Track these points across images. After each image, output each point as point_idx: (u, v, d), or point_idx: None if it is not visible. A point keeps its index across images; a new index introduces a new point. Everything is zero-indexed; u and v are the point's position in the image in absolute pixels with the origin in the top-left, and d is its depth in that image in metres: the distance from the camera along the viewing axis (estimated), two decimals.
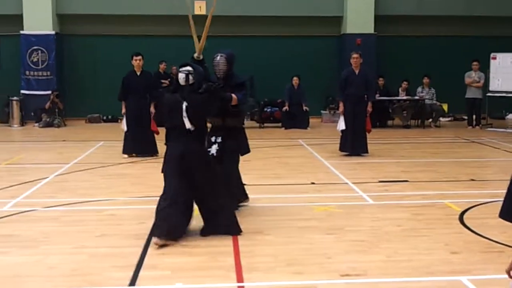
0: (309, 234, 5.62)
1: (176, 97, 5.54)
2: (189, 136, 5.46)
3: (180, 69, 5.64)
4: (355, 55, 10.56)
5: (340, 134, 10.63)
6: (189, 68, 5.59)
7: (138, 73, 10.34)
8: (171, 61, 16.46)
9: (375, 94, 12.23)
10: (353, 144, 10.40)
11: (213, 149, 6.17)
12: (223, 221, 5.54)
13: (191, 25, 6.55)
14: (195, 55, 6.05)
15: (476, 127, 15.65)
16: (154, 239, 5.24)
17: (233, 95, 6.08)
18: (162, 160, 5.69)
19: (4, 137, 14.25)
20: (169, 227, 5.26)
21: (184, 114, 5.41)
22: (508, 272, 2.54)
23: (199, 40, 6.32)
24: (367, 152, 10.48)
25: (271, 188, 7.82)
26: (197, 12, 17.22)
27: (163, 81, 16.09)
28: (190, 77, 5.53)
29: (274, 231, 5.72)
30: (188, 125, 5.42)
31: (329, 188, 7.81)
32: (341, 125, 10.45)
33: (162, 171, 5.60)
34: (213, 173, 5.63)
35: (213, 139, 6.24)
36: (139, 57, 10.31)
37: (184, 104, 5.44)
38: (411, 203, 6.88)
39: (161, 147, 10.63)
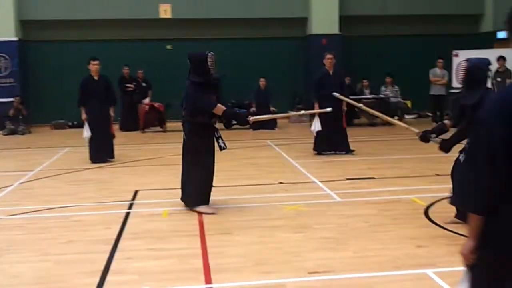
0: (277, 233, 5.63)
1: None
2: None
3: None
4: (329, 56, 10.52)
5: (315, 135, 10.52)
6: None
7: (96, 78, 10.24)
8: (135, 65, 16.35)
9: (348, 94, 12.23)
10: (336, 143, 10.40)
11: (221, 143, 6.56)
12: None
13: None
14: None
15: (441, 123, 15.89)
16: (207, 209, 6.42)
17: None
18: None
19: None
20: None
21: None
22: (464, 255, 2.52)
23: None
24: (350, 149, 10.52)
25: (240, 189, 7.82)
26: (162, 15, 17.17)
27: (128, 85, 15.97)
28: None
29: (243, 231, 5.72)
30: None
31: (297, 187, 7.84)
32: (317, 126, 10.28)
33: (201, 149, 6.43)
34: None
35: (217, 134, 6.59)
36: (97, 62, 10.21)
37: None
38: (378, 200, 6.96)
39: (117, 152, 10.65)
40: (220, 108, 6.40)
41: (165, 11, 16.97)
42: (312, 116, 11.09)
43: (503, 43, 16.68)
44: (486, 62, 5.59)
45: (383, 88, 16.42)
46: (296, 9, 17.71)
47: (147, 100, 15.87)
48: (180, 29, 17.43)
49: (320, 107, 10.36)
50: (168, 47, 17.70)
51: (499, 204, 2.29)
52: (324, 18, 17.46)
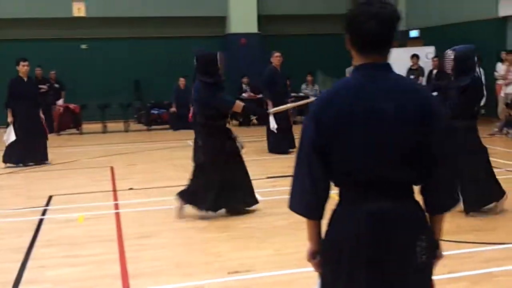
0: (199, 234, 5.58)
1: None
2: None
3: None
4: (277, 54, 10.65)
5: (275, 132, 10.12)
6: None
7: (25, 79, 9.93)
8: (48, 65, 15.70)
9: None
10: (284, 142, 10.34)
11: (239, 142, 6.26)
12: None
13: None
14: None
15: None
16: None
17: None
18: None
19: None
20: None
21: None
22: (309, 260, 2.32)
23: None
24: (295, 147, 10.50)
25: (160, 190, 7.67)
26: (75, 14, 16.63)
27: (40, 86, 15.30)
28: None
29: (163, 234, 5.61)
30: None
31: None
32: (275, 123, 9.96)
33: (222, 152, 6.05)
34: None
35: (232, 134, 6.30)
36: (27, 63, 10.03)
37: None
38: None
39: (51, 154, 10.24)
40: (239, 104, 6.15)
41: (78, 10, 16.45)
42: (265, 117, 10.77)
43: (415, 41, 17.35)
44: (473, 49, 5.70)
45: (303, 87, 16.66)
46: (214, 8, 17.65)
47: (60, 102, 15.32)
48: (95, 28, 16.94)
49: (274, 105, 10.09)
50: (83, 46, 17.17)
51: (329, 209, 2.18)
52: (242, 17, 17.50)
